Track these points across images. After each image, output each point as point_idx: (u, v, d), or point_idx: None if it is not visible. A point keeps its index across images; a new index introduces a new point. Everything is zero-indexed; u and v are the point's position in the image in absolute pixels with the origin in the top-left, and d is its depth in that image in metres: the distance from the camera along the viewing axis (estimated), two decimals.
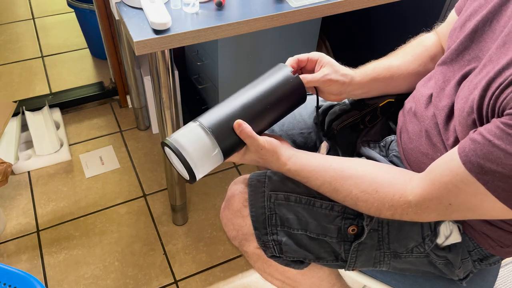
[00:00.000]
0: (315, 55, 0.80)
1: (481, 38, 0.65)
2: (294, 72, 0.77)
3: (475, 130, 0.57)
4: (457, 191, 0.58)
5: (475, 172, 0.55)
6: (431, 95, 0.74)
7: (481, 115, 0.58)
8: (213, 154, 0.69)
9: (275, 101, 0.74)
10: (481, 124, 0.58)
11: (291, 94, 0.76)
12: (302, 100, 0.79)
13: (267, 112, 0.74)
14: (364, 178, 0.68)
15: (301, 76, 0.78)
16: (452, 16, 0.81)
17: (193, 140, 0.68)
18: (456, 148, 0.58)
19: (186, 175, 0.71)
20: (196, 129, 0.69)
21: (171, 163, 0.76)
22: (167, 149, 0.71)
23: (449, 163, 0.59)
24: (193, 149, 0.67)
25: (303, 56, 0.81)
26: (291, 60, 0.80)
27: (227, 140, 0.70)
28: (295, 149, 0.76)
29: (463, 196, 0.58)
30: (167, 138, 0.69)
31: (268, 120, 0.75)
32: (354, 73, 0.81)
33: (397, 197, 0.65)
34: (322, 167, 0.71)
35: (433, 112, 0.72)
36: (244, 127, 0.69)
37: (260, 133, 0.74)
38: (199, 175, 0.69)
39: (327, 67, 0.79)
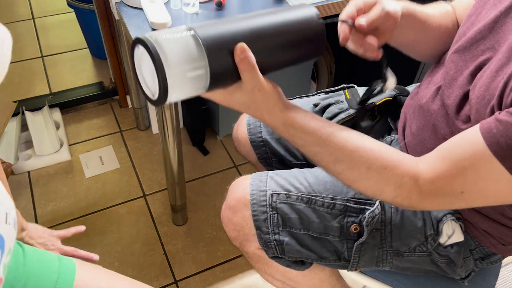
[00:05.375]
0: None
1: (499, 29, 0.62)
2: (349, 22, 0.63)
3: (501, 112, 0.53)
4: (477, 177, 0.54)
5: (501, 156, 0.51)
6: (439, 88, 0.72)
7: (501, 101, 0.55)
8: (198, 77, 0.54)
9: (289, 41, 0.61)
10: (499, 109, 0.55)
11: (310, 41, 0.63)
12: (319, 51, 0.66)
13: (276, 50, 0.60)
14: (372, 153, 0.60)
15: (359, 19, 0.64)
16: None
17: (178, 46, 0.52)
18: (475, 131, 0.54)
19: (155, 90, 0.54)
20: (188, 39, 0.53)
21: (137, 75, 0.58)
22: (139, 51, 0.55)
23: (470, 147, 0.54)
24: (178, 62, 0.52)
25: (359, 2, 0.66)
26: (349, 11, 0.65)
27: (221, 62, 0.55)
28: (292, 102, 0.65)
29: (482, 183, 0.54)
30: (145, 35, 0.52)
31: (273, 60, 0.61)
32: (397, 6, 0.68)
33: (407, 179, 0.58)
34: (325, 131, 0.61)
35: (441, 104, 0.70)
36: (248, 55, 0.55)
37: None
38: (172, 93, 0.52)
39: (379, 4, 0.65)
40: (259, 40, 0.57)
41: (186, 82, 0.53)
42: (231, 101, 0.60)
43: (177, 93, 0.53)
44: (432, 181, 0.57)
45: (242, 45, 0.55)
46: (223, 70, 0.55)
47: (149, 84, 0.56)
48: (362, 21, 0.63)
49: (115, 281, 0.73)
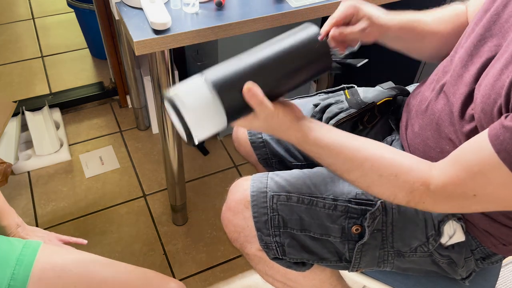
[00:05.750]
0: (349, 10, 0.72)
1: (509, 28, 0.63)
2: (322, 37, 0.67)
3: (507, 116, 0.53)
4: (486, 182, 0.55)
5: (510, 162, 0.52)
6: (442, 86, 0.72)
7: (508, 101, 0.56)
8: (216, 116, 0.62)
9: (295, 67, 0.65)
10: (507, 110, 0.56)
11: (315, 62, 0.67)
12: (326, 68, 0.69)
13: (284, 77, 0.65)
14: (382, 161, 0.64)
15: (340, 30, 0.70)
16: None
17: (194, 96, 0.61)
18: (484, 136, 0.55)
19: (183, 136, 0.64)
20: (201, 86, 0.61)
21: (170, 117, 0.69)
22: (167, 103, 0.65)
23: (479, 153, 0.56)
24: (194, 108, 0.60)
25: (340, 16, 0.72)
26: (328, 26, 0.71)
27: (233, 101, 0.62)
28: (308, 118, 0.70)
29: (491, 187, 0.56)
30: (171, 94, 0.62)
31: (283, 88, 0.66)
32: (388, 22, 0.75)
33: (418, 184, 0.61)
34: (337, 144, 0.66)
35: (445, 102, 0.70)
36: (254, 92, 0.61)
37: (272, 99, 0.65)
38: (197, 137, 0.63)
39: (364, 21, 0.72)
40: (266, 73, 0.63)
41: (207, 122, 0.62)
42: (252, 127, 0.68)
43: (201, 133, 0.63)
44: (443, 186, 0.59)
45: (248, 85, 0.61)
46: (236, 107, 0.63)
47: (179, 127, 0.65)
48: (335, 32, 0.71)
49: (84, 256, 0.72)
